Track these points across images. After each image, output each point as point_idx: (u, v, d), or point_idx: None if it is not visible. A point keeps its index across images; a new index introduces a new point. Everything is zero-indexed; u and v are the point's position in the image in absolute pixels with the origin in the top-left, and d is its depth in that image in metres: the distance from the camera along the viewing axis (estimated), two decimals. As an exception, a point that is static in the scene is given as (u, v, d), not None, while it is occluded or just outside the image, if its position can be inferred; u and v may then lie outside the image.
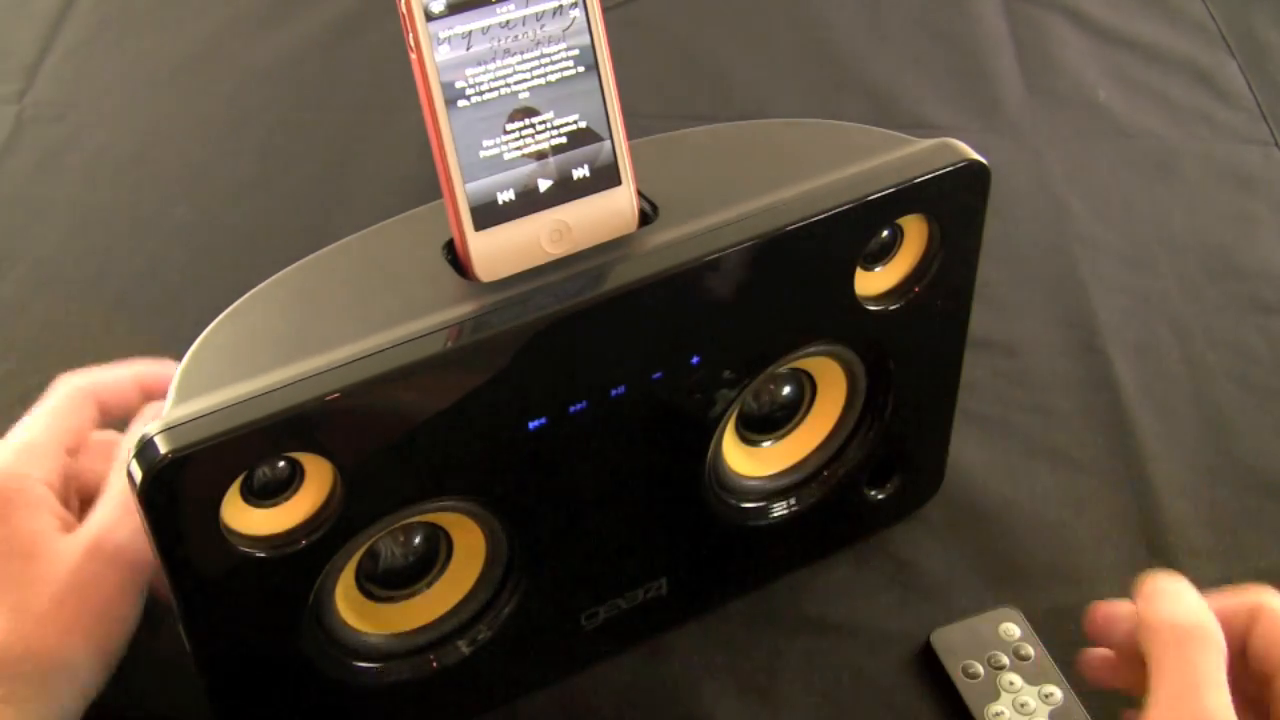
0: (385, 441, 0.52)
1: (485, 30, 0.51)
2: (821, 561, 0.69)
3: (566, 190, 0.54)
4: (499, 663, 0.61)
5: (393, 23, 0.53)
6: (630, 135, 0.55)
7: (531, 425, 0.54)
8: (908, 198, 0.58)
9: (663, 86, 1.00)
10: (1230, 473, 0.73)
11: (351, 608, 0.58)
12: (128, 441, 0.56)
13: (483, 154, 0.52)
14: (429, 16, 0.50)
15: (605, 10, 0.53)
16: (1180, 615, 0.50)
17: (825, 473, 0.66)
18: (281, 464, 0.51)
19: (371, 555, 0.58)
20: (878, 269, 0.61)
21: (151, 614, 0.66)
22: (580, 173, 0.54)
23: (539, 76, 0.53)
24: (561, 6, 0.52)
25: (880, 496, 0.69)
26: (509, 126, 0.53)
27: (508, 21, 0.52)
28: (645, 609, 0.64)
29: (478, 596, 0.60)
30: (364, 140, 0.95)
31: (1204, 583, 0.68)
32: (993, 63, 1.02)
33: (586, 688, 0.64)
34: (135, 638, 0.65)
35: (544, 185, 0.54)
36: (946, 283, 0.62)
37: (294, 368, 0.50)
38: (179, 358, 0.52)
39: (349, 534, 0.53)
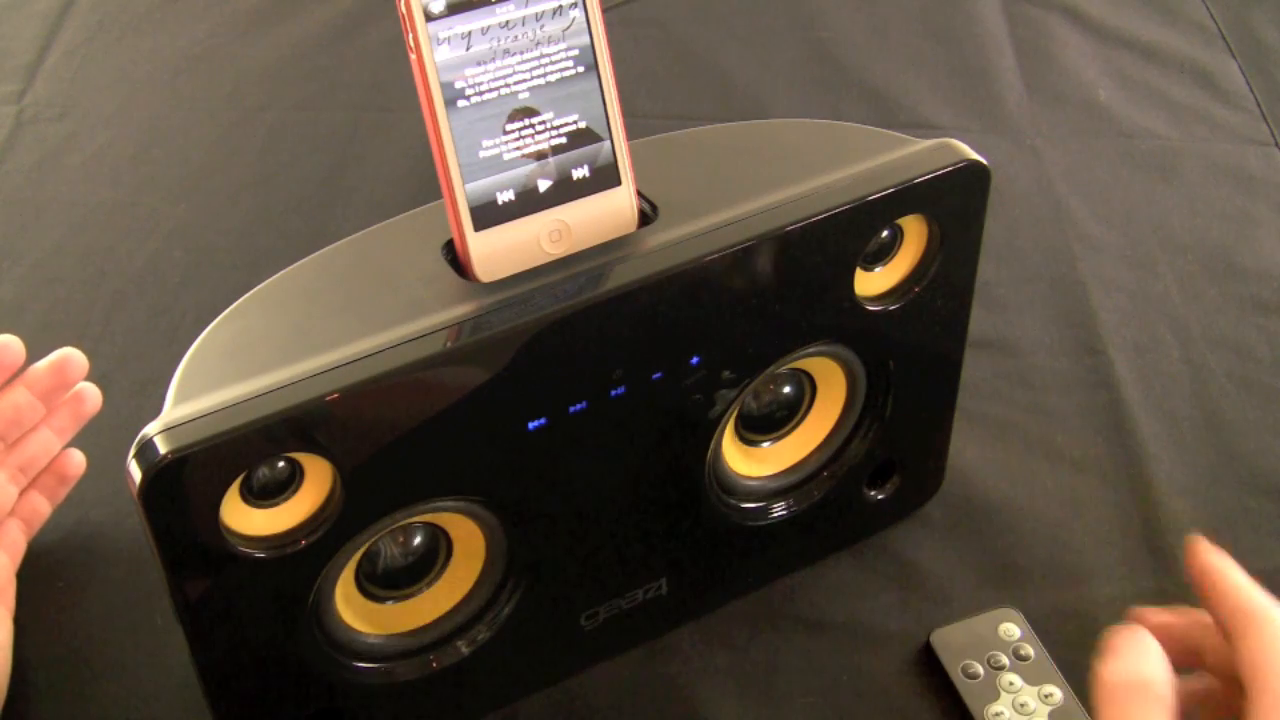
0: (385, 441, 0.52)
1: (485, 30, 0.51)
2: (821, 561, 0.69)
3: (566, 190, 0.54)
4: (499, 663, 0.61)
5: (393, 23, 0.53)
6: (630, 135, 0.55)
7: (531, 425, 0.54)
8: (908, 198, 0.58)
9: (663, 86, 1.00)
10: (1230, 473, 0.73)
11: (351, 608, 0.57)
12: None
13: (483, 154, 0.52)
14: (429, 17, 0.50)
15: (605, 10, 0.53)
16: (1127, 674, 0.49)
17: (825, 473, 0.66)
18: (281, 464, 0.51)
19: (371, 555, 0.58)
20: (878, 269, 0.61)
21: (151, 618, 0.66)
22: (580, 173, 0.54)
23: (539, 76, 0.53)
24: (561, 6, 0.52)
25: (880, 497, 0.69)
26: (509, 126, 0.53)
27: (507, 22, 0.52)
28: (645, 609, 0.64)
29: (478, 596, 0.60)
30: (364, 140, 0.95)
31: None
32: (993, 63, 1.02)
33: (586, 688, 0.64)
34: (136, 638, 0.65)
35: (544, 185, 0.54)
36: (946, 283, 0.62)
37: (294, 368, 0.50)
38: (179, 358, 0.52)
39: (349, 534, 0.53)
